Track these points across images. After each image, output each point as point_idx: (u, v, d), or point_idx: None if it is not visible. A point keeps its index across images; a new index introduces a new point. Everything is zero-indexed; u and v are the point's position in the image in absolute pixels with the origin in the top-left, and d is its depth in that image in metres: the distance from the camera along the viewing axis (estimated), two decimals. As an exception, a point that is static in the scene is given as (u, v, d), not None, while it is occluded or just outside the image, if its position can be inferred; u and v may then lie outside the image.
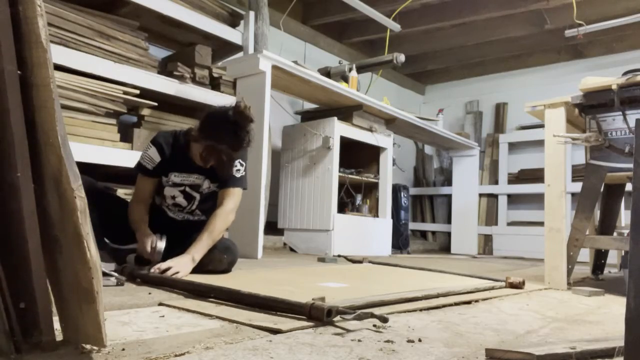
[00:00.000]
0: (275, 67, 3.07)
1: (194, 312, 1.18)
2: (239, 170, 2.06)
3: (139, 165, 2.06)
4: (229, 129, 1.89)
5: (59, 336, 0.82)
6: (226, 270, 2.03)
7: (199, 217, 2.12)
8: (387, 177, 4.31)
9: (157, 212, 2.13)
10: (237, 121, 1.90)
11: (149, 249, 1.86)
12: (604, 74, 2.56)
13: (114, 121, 2.89)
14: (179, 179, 2.06)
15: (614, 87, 2.06)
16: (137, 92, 2.95)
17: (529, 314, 1.47)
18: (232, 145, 1.91)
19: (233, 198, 2.04)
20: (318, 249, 3.66)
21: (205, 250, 1.90)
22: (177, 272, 1.73)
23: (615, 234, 2.75)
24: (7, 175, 0.75)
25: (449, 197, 5.89)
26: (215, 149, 1.91)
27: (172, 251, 1.87)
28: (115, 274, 1.62)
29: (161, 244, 1.88)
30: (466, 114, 6.34)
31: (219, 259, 1.99)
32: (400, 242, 4.88)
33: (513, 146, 5.84)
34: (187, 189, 2.07)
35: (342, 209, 4.03)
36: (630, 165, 1.95)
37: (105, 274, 1.61)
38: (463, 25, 5.27)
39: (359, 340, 0.98)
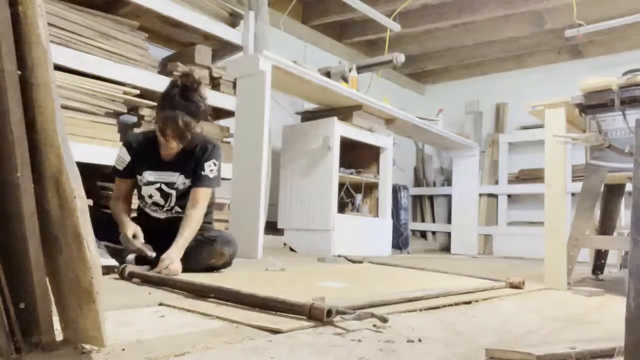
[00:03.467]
0: (275, 67, 3.07)
1: (194, 312, 1.18)
2: (212, 170, 2.06)
3: (113, 167, 2.09)
4: (178, 94, 1.90)
5: (59, 336, 0.82)
6: (227, 263, 2.04)
7: (180, 215, 2.10)
8: (387, 177, 4.31)
9: (142, 215, 2.15)
10: (185, 83, 1.91)
11: (130, 234, 1.90)
12: (604, 74, 2.56)
13: (114, 121, 2.89)
14: (153, 176, 2.07)
15: (614, 87, 2.06)
16: (137, 92, 2.95)
17: (529, 314, 1.46)
18: (184, 107, 1.90)
19: (205, 198, 2.04)
20: (318, 249, 3.65)
21: (184, 249, 1.92)
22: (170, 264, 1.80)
23: (615, 234, 2.75)
24: (7, 175, 0.75)
25: (449, 197, 5.89)
26: (170, 117, 1.89)
27: (164, 249, 1.89)
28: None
29: (147, 249, 1.92)
30: (466, 114, 6.33)
31: (220, 252, 2.00)
32: (400, 242, 4.88)
33: (513, 146, 5.84)
34: (163, 186, 2.07)
35: (342, 209, 4.03)
36: (630, 165, 1.95)
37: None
38: (463, 25, 5.27)
39: (359, 340, 0.98)
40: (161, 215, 2.13)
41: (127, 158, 2.04)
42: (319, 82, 3.46)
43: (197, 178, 2.04)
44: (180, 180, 2.07)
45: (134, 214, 2.19)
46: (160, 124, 1.92)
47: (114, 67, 2.85)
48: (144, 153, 2.04)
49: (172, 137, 1.94)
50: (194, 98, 1.92)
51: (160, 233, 2.00)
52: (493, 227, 5.69)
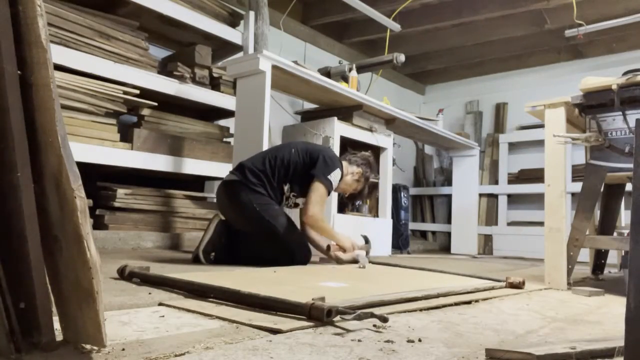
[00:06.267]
0: (275, 67, 3.07)
1: (194, 312, 1.18)
2: None
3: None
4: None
5: (59, 336, 0.82)
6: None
7: None
8: (387, 177, 4.31)
9: None
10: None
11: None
12: (604, 74, 2.56)
13: (114, 121, 2.89)
14: None
15: (614, 87, 2.06)
16: (137, 92, 2.95)
17: (529, 314, 1.47)
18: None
19: None
20: (318, 249, 3.65)
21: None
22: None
23: (615, 234, 2.75)
24: (7, 175, 0.75)
25: (449, 197, 5.89)
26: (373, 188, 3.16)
27: None
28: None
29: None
30: (466, 114, 6.33)
31: None
32: (400, 242, 4.88)
33: (513, 146, 5.84)
34: None
35: (342, 209, 4.03)
36: (630, 165, 1.95)
37: None
38: (463, 25, 5.27)
39: (359, 340, 0.98)
40: None
41: None
42: (319, 82, 3.46)
43: None
44: None
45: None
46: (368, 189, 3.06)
47: (114, 67, 2.85)
48: None
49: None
50: None
51: None
52: (493, 227, 5.69)
